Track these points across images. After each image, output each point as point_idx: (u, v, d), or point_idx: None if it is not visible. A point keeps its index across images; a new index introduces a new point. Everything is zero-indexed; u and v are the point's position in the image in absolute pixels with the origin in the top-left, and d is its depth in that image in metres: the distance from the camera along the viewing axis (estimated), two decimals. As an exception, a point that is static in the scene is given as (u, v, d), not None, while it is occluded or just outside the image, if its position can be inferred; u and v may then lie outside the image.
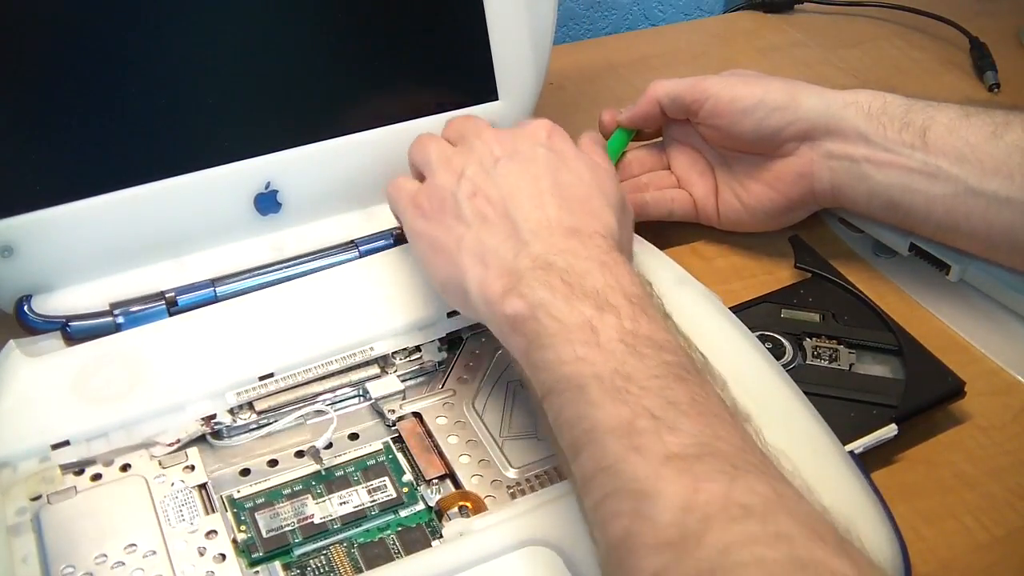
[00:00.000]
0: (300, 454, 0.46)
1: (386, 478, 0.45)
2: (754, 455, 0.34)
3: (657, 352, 0.37)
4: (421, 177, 0.49)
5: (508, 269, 0.41)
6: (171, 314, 0.50)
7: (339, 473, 0.45)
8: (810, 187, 0.57)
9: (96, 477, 0.44)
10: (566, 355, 0.37)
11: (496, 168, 0.45)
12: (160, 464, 0.45)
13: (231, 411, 0.46)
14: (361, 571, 0.41)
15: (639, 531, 0.32)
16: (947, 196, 0.52)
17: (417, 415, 0.48)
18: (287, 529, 0.43)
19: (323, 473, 0.45)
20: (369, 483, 0.45)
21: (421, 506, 0.44)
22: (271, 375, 0.47)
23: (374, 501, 0.44)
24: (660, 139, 0.63)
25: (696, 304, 0.50)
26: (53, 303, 0.50)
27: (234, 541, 0.42)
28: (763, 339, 0.52)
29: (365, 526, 0.43)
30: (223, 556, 0.41)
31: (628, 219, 0.47)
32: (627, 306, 0.38)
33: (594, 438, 0.35)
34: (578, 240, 0.41)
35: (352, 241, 0.55)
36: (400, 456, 0.46)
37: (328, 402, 0.48)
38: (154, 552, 0.41)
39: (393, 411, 0.48)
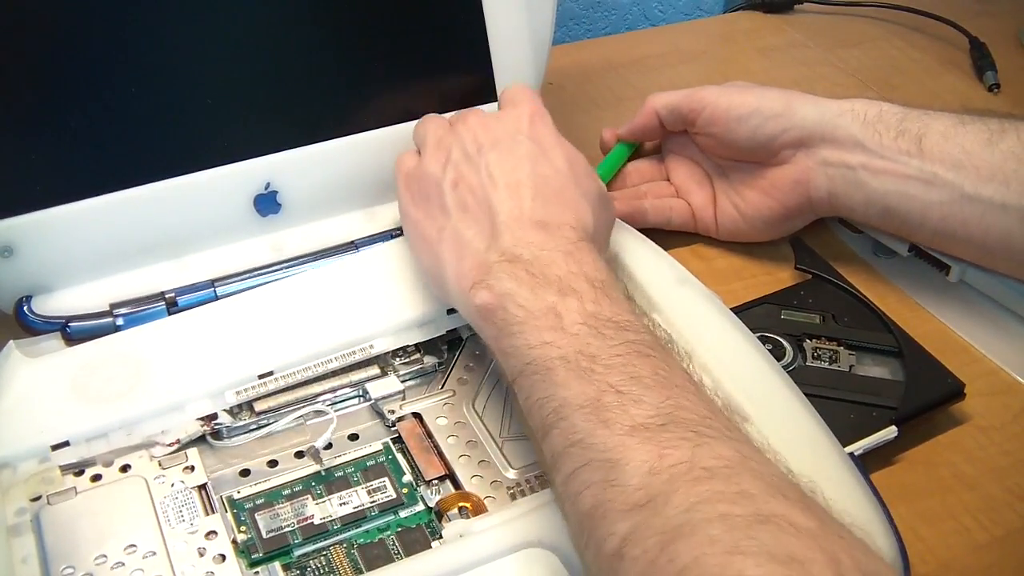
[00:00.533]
0: (300, 455, 0.46)
1: (386, 479, 0.45)
2: (718, 422, 0.36)
3: (619, 332, 0.39)
4: None
5: (479, 262, 0.43)
6: (171, 315, 0.50)
7: (339, 474, 0.45)
8: (807, 194, 0.57)
9: (96, 478, 0.44)
10: (533, 340, 0.39)
11: (479, 156, 0.47)
12: (160, 465, 0.45)
13: (231, 411, 0.46)
14: (361, 572, 0.41)
15: (609, 498, 0.34)
16: (943, 202, 0.52)
17: (417, 416, 0.48)
18: (287, 530, 0.43)
19: (323, 474, 0.45)
20: (369, 484, 0.45)
21: (421, 507, 0.44)
22: (270, 373, 0.47)
23: (374, 502, 0.44)
24: (659, 153, 0.64)
25: (697, 304, 0.50)
26: (53, 303, 0.50)
27: (234, 542, 0.42)
28: (763, 340, 0.52)
29: (365, 527, 0.43)
30: (223, 557, 0.41)
31: (606, 211, 0.48)
32: (589, 290, 0.40)
33: (563, 415, 0.37)
34: (546, 232, 0.43)
35: (352, 242, 0.54)
36: (400, 457, 0.46)
37: (328, 402, 0.48)
38: (154, 553, 0.41)
39: (393, 411, 0.48)
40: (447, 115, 0.52)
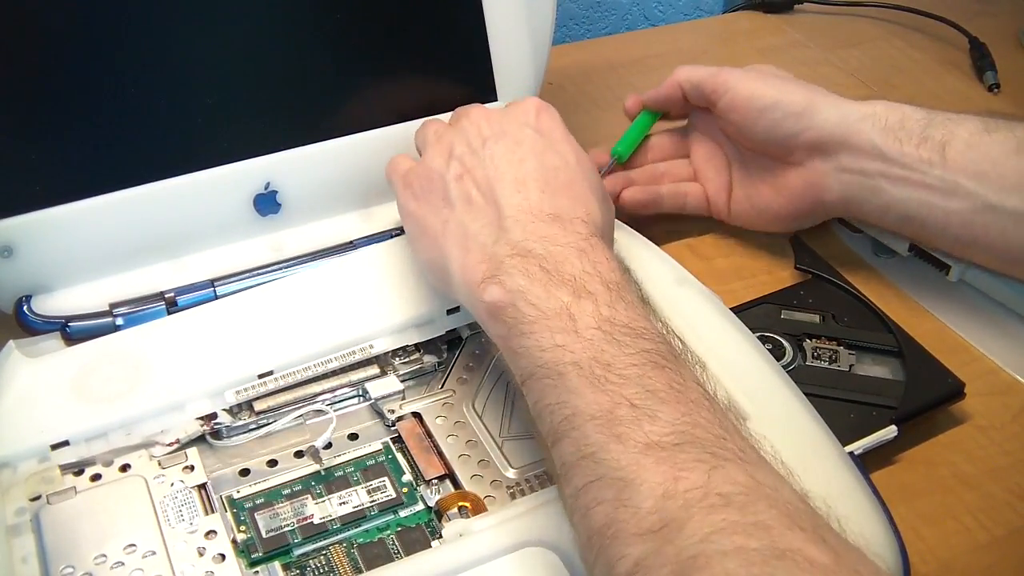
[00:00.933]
0: (299, 454, 0.46)
1: (386, 478, 0.45)
2: (734, 442, 0.35)
3: (635, 340, 0.38)
4: None
5: (488, 255, 0.42)
6: (170, 315, 0.50)
7: (339, 473, 0.45)
8: (819, 198, 0.56)
9: (96, 477, 0.44)
10: (545, 342, 0.38)
11: (484, 149, 0.46)
12: (160, 464, 0.45)
13: (230, 410, 0.46)
14: (361, 571, 0.41)
15: (621, 519, 0.33)
16: (964, 211, 0.51)
17: (417, 415, 0.48)
18: (287, 529, 0.43)
19: (323, 473, 0.45)
20: (369, 483, 0.45)
21: (420, 506, 0.44)
22: (270, 373, 0.47)
23: (374, 501, 0.44)
24: (684, 124, 0.63)
25: (697, 304, 0.50)
26: (53, 303, 0.50)
27: (234, 541, 0.42)
28: (763, 340, 0.52)
29: (365, 526, 0.43)
30: (223, 556, 0.41)
31: (609, 210, 0.47)
32: (604, 292, 0.39)
33: (575, 425, 0.36)
34: (559, 226, 0.42)
35: (351, 242, 0.55)
36: (400, 456, 0.46)
37: (327, 402, 0.48)
38: (154, 552, 0.41)
39: (393, 411, 0.48)
40: (442, 116, 0.52)
